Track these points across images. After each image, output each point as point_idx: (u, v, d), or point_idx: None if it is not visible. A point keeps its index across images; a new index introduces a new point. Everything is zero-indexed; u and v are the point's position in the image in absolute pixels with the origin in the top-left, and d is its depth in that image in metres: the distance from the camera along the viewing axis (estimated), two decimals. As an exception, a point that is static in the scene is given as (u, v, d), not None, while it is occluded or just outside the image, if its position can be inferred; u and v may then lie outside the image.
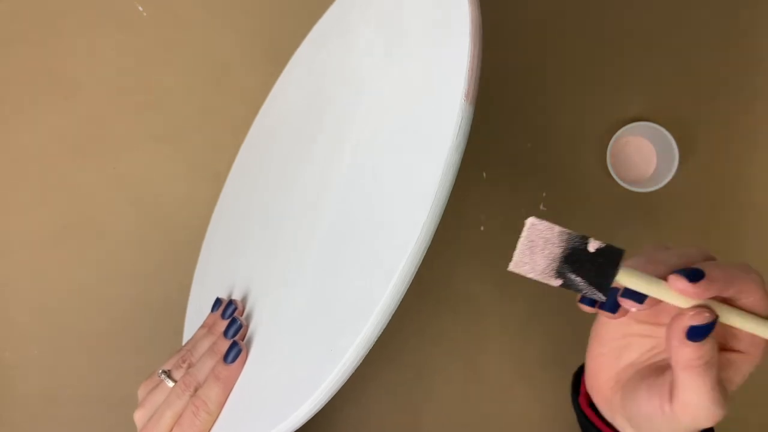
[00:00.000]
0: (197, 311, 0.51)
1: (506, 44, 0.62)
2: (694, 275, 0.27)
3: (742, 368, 0.31)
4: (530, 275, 0.26)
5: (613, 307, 0.30)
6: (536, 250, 0.26)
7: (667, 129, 0.57)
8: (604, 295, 0.27)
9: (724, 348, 0.30)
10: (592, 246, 0.26)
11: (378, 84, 0.38)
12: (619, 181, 0.58)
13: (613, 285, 0.27)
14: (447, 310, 0.60)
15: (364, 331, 0.28)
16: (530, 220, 0.26)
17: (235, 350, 0.36)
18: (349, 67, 0.44)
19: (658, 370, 0.32)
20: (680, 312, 0.28)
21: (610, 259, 0.26)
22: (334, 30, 0.51)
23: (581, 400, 0.38)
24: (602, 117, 0.61)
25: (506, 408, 0.60)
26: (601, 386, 0.35)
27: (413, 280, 0.66)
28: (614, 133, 0.58)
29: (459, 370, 0.60)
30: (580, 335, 0.61)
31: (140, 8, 0.63)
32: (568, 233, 0.26)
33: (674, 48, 0.61)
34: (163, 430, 0.36)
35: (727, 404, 0.29)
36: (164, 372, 0.39)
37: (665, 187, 0.57)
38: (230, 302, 0.42)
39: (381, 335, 0.27)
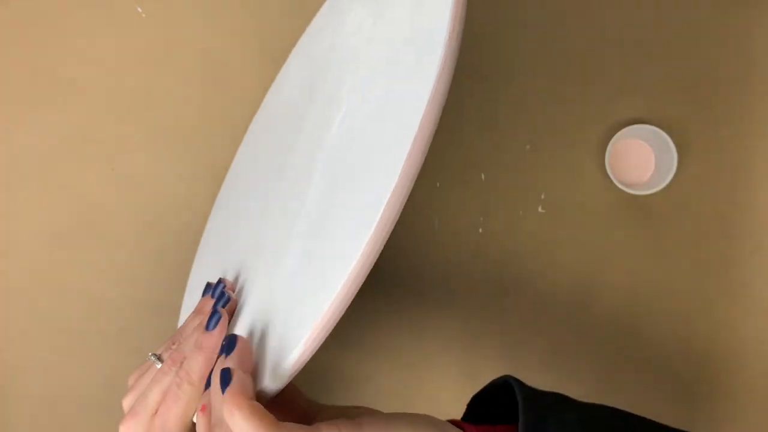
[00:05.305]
0: (191, 309, 0.51)
1: (506, 44, 0.62)
2: None
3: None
4: None
5: None
6: None
7: (666, 132, 0.58)
8: None
9: None
10: None
11: (364, 55, 0.38)
12: (618, 184, 0.58)
13: None
14: (445, 311, 0.61)
15: (339, 287, 0.27)
16: None
17: (216, 317, 0.36)
18: (338, 46, 0.44)
19: None
20: None
21: None
22: (328, 17, 0.52)
23: None
24: (601, 119, 0.61)
25: (504, 409, 0.60)
26: None
27: (414, 281, 0.66)
28: (613, 135, 0.58)
29: (457, 371, 0.60)
30: (579, 337, 0.62)
31: (139, 9, 0.63)
32: None
33: (673, 50, 0.61)
34: (150, 408, 0.35)
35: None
36: (154, 355, 0.38)
37: (664, 190, 0.58)
38: (219, 281, 0.42)
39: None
